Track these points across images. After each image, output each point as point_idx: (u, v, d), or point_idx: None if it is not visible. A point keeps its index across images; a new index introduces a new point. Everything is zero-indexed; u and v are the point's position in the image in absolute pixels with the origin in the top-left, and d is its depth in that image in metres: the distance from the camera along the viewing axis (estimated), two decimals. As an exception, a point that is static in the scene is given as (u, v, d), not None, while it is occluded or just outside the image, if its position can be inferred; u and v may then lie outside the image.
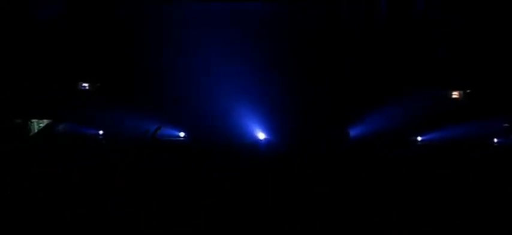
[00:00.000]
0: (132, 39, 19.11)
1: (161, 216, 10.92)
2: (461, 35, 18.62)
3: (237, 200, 11.83)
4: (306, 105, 18.66)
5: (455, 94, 19.03)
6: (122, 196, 11.70)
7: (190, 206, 11.42)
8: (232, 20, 19.21)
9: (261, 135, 18.63)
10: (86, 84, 19.60)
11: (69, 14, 19.45)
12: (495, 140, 17.96)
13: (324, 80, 18.90)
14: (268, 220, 10.82)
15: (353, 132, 18.36)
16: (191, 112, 18.46)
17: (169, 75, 18.57)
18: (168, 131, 18.61)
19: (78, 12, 19.43)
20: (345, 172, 14.33)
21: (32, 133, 18.92)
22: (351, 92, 18.61)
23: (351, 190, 12.55)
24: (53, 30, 19.22)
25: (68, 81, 19.28)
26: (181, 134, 18.96)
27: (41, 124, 19.10)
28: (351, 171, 14.41)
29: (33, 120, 19.03)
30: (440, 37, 18.90)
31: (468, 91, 18.98)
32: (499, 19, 18.18)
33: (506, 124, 18.24)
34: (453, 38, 18.73)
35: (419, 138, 18.43)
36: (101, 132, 18.77)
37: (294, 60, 18.81)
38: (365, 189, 12.67)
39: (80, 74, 19.57)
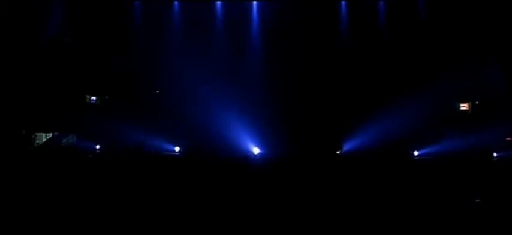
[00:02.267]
0: (131, 50, 19.40)
1: (161, 215, 10.94)
2: (461, 35, 18.59)
3: (237, 201, 11.87)
4: (304, 108, 18.75)
5: (463, 106, 19.06)
6: (121, 196, 11.72)
7: (190, 206, 11.44)
8: (231, 20, 19.38)
9: (256, 150, 18.62)
10: (94, 98, 19.92)
11: (72, 32, 19.82)
12: (495, 155, 17.79)
13: (323, 80, 18.97)
14: (268, 220, 10.83)
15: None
16: (186, 123, 18.56)
17: (162, 82, 18.86)
18: (161, 144, 18.67)
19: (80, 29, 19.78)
20: (344, 172, 14.44)
21: (39, 144, 19.08)
22: (350, 93, 18.66)
23: (350, 190, 12.64)
24: (58, 47, 19.52)
25: (75, 94, 19.52)
26: (177, 149, 19.03)
27: (48, 136, 19.33)
28: (350, 171, 14.51)
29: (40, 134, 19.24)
30: (440, 37, 18.83)
31: (476, 103, 18.97)
32: (500, 20, 18.18)
33: (508, 139, 18.14)
34: (454, 38, 18.70)
35: (416, 153, 18.27)
36: (97, 146, 18.83)
37: (293, 60, 18.94)
38: (365, 189, 12.77)
39: (86, 87, 19.80)
